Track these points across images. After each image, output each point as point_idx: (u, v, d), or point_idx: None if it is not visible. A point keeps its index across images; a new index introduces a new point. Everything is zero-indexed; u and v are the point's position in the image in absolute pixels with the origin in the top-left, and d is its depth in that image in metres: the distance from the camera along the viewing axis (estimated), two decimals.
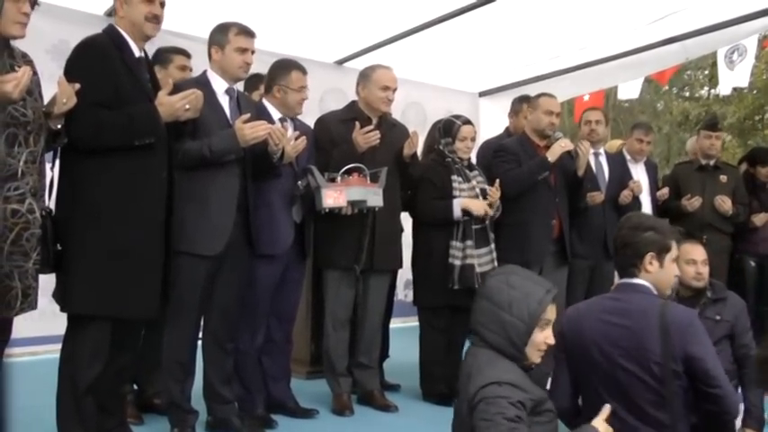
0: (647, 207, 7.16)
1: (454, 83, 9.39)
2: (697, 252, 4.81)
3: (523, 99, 7.18)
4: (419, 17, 7.27)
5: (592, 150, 6.43)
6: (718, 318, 4.69)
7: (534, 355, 3.12)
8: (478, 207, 5.58)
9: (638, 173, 7.24)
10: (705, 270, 4.79)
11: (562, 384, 3.64)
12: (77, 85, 3.83)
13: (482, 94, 9.75)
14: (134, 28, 4.22)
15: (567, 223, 6.20)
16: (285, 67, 5.29)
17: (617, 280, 3.89)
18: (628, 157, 7.39)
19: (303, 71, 5.28)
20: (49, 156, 4.03)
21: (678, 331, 3.41)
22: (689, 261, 4.75)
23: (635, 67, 8.76)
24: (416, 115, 8.48)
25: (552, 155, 5.91)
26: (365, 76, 5.60)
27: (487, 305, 3.14)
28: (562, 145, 5.94)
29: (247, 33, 4.83)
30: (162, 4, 4.29)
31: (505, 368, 3.07)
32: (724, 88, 9.37)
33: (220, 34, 4.81)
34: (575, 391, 3.65)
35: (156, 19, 4.25)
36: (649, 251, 3.67)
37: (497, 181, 5.71)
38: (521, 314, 3.13)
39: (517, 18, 7.20)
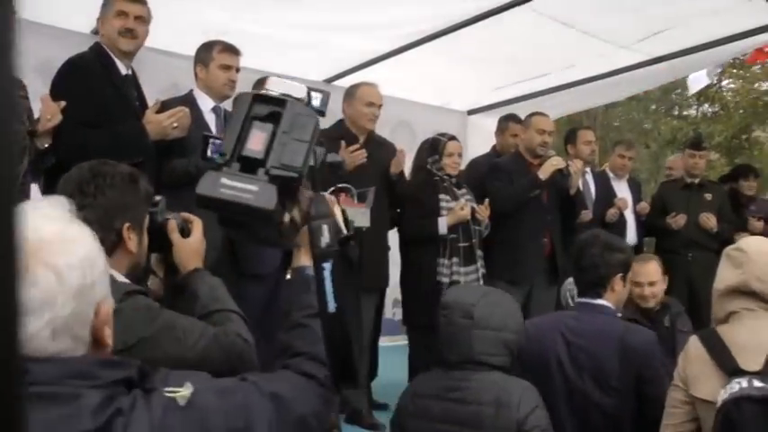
0: (631, 224, 7.21)
1: (443, 101, 9.40)
2: (644, 273, 4.86)
3: (509, 117, 7.23)
4: (408, 36, 7.27)
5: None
6: (686, 330, 4.76)
7: None
8: (462, 215, 5.59)
9: (622, 190, 7.33)
10: (649, 291, 4.82)
11: None
12: (63, 103, 3.83)
13: (471, 113, 9.75)
14: (111, 44, 4.24)
15: (560, 242, 6.19)
16: (262, 81, 5.30)
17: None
18: (611, 174, 7.47)
19: None
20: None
21: (637, 354, 3.48)
22: (635, 283, 4.79)
23: (623, 85, 8.79)
24: (405, 134, 8.47)
25: (544, 173, 5.94)
26: (350, 94, 5.66)
27: (487, 333, 3.18)
28: (554, 163, 5.99)
29: (231, 51, 4.85)
30: (138, 18, 4.29)
31: (526, 385, 3.18)
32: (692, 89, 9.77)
33: (205, 52, 4.84)
34: None
35: (131, 33, 4.28)
36: (619, 272, 3.71)
37: (486, 199, 5.73)
38: (516, 327, 3.22)
39: (506, 37, 7.20)
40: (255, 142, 1.67)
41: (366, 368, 5.79)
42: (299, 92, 1.82)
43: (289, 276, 2.12)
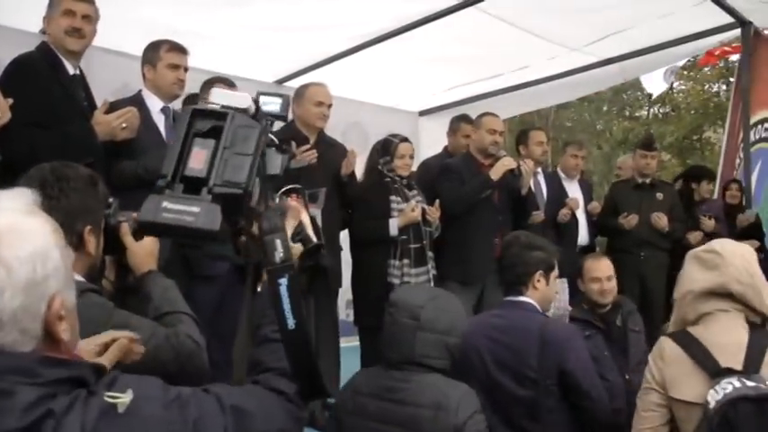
0: (583, 224, 7.26)
1: (395, 102, 9.41)
2: (600, 269, 4.89)
3: (461, 118, 7.23)
4: (359, 37, 7.28)
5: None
6: (637, 329, 4.81)
7: None
8: (413, 216, 5.59)
9: (573, 191, 7.36)
10: (609, 286, 4.86)
11: None
12: (11, 100, 3.77)
13: (422, 114, 9.77)
14: (57, 43, 4.20)
15: None
16: (209, 83, 5.28)
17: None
18: (562, 175, 7.50)
19: (228, 85, 5.26)
20: None
21: (555, 348, 3.56)
22: (593, 279, 4.83)
23: (574, 86, 8.88)
24: (357, 135, 8.45)
25: (495, 173, 5.94)
26: (299, 95, 5.62)
27: (431, 336, 3.18)
28: (505, 164, 5.98)
29: (179, 50, 4.81)
30: (85, 17, 4.25)
31: (466, 389, 3.18)
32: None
33: (152, 52, 4.79)
34: None
35: (78, 32, 4.24)
36: (538, 269, 3.81)
37: (437, 201, 5.74)
38: (461, 332, 3.23)
39: (457, 38, 7.23)
40: (197, 160, 1.62)
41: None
42: (242, 102, 1.77)
43: (259, 289, 2.05)
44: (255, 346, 1.86)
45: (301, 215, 1.94)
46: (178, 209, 1.54)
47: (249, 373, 1.83)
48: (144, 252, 2.67)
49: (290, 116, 5.69)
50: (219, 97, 1.76)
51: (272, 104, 1.93)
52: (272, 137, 1.91)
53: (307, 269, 1.98)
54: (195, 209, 1.55)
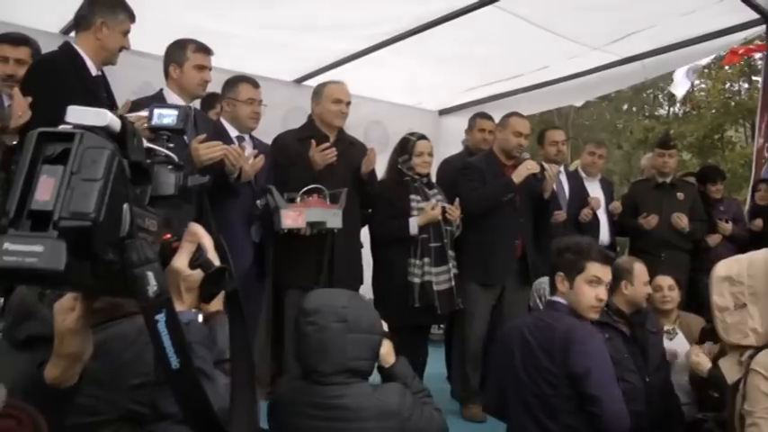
0: (604, 224, 7.19)
1: (415, 101, 9.41)
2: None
3: (477, 114, 7.23)
4: (380, 35, 7.27)
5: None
6: (654, 330, 4.82)
7: None
8: (433, 215, 5.58)
9: (594, 190, 7.29)
10: None
11: (491, 387, 4.14)
12: (29, 99, 3.80)
13: (442, 113, 9.78)
14: (104, 53, 4.27)
15: (531, 243, 6.18)
16: (233, 81, 5.32)
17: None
18: (583, 174, 7.43)
19: (253, 84, 5.29)
20: None
21: (571, 350, 3.58)
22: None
23: (595, 86, 8.84)
24: (378, 134, 8.46)
25: (518, 176, 5.91)
26: (317, 93, 5.63)
27: (360, 336, 3.09)
28: (528, 167, 5.93)
29: (205, 51, 4.82)
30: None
31: (397, 390, 3.17)
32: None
33: (178, 50, 4.80)
34: (500, 393, 3.94)
35: (122, 50, 4.41)
36: (557, 272, 3.87)
37: (457, 199, 5.73)
38: (380, 329, 3.22)
39: (478, 37, 7.21)
40: (44, 191, 1.40)
41: None
42: (98, 119, 1.55)
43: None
44: (153, 387, 1.75)
45: (201, 238, 1.79)
46: (19, 250, 1.36)
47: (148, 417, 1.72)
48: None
49: (310, 114, 5.70)
50: (73, 115, 1.55)
51: (167, 117, 1.80)
52: (169, 153, 1.78)
53: (211, 297, 1.89)
54: (38, 248, 1.36)
